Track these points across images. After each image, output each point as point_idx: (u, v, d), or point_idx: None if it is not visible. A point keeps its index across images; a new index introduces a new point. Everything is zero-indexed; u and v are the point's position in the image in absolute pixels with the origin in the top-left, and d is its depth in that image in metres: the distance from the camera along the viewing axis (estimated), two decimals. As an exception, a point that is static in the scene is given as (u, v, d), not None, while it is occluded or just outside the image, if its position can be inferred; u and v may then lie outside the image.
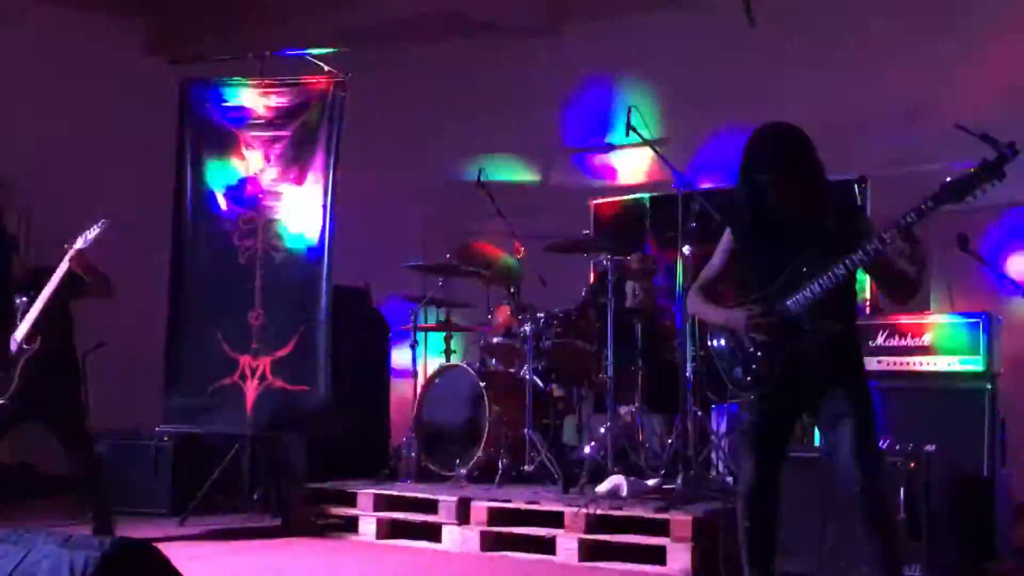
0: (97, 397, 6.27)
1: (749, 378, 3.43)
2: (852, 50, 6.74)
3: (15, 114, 7.31)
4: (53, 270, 5.31)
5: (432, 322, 6.60)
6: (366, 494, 5.73)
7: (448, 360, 6.11)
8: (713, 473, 5.70)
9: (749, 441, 3.48)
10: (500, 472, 5.65)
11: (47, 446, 7.44)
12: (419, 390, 6.04)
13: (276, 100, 6.48)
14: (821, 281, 3.31)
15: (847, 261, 3.26)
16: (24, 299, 5.28)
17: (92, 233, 5.27)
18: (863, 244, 3.23)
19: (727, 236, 3.61)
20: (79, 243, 5.26)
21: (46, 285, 5.26)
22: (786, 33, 6.86)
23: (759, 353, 3.41)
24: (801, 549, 4.29)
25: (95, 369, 6.37)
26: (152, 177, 6.93)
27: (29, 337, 5.25)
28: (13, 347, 5.14)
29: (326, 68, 6.43)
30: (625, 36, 7.62)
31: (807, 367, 3.38)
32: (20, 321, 5.22)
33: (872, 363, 4.90)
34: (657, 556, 4.84)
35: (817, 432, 4.75)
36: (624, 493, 5.25)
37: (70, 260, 5.24)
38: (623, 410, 6.05)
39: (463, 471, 5.73)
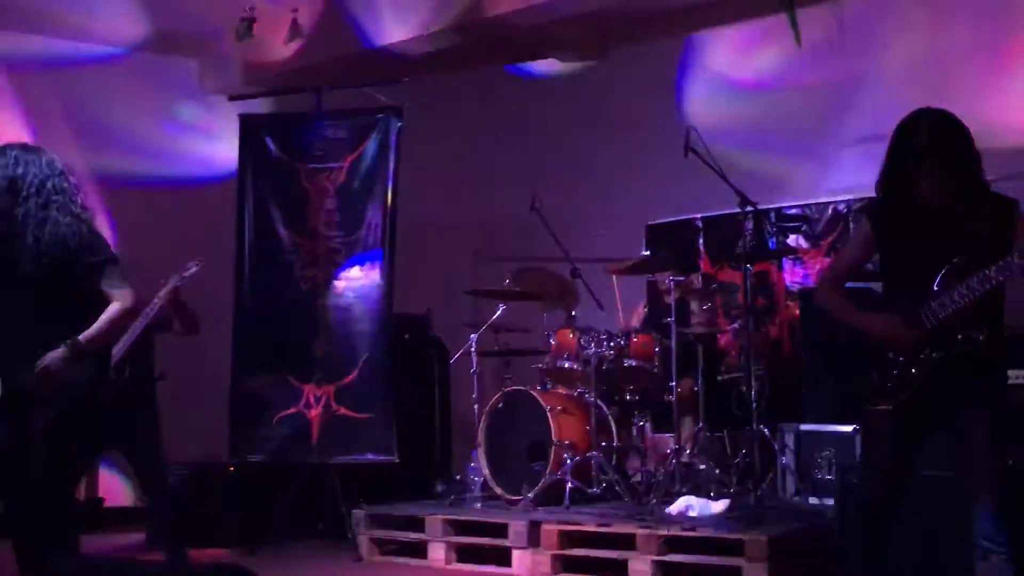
0: (164, 428, 6.28)
1: (889, 384, 3.25)
2: (909, 64, 6.65)
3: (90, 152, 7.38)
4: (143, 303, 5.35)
5: (492, 347, 6.54)
6: (434, 519, 5.66)
7: (509, 385, 6.04)
8: (781, 492, 5.58)
9: (879, 453, 3.32)
10: (567, 495, 5.57)
11: (114, 480, 7.52)
12: (482, 415, 5.97)
13: (334, 132, 6.51)
14: (972, 286, 3.08)
15: (1002, 264, 3.02)
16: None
17: (188, 272, 5.32)
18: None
19: (865, 227, 3.38)
20: (174, 280, 5.29)
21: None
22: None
23: (901, 359, 3.24)
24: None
25: (160, 400, 6.40)
26: (215, 210, 6.96)
27: (118, 367, 5.29)
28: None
29: (382, 99, 6.44)
30: (675, 56, 7.60)
31: (950, 377, 3.19)
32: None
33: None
34: (732, 576, 4.73)
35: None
36: (695, 513, 5.15)
37: (166, 296, 5.28)
38: (686, 430, 5.96)
39: (530, 495, 5.64)
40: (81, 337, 3.75)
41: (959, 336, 3.16)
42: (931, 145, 3.13)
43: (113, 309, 3.78)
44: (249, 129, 6.61)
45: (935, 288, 3.18)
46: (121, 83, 7.80)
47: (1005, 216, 3.17)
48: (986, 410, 3.17)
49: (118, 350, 5.18)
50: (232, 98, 7.02)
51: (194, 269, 5.34)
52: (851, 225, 6.16)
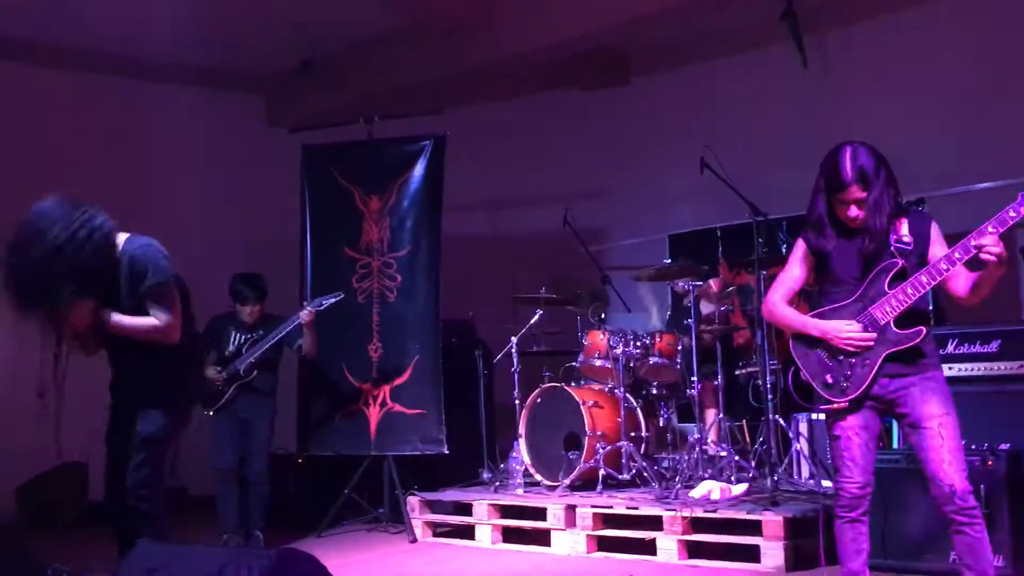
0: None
1: (845, 384, 3.30)
2: (899, 83, 6.64)
3: (168, 185, 7.53)
4: (277, 317, 5.80)
5: (530, 348, 6.58)
6: (481, 504, 5.72)
7: (547, 382, 6.08)
8: (796, 477, 5.56)
9: (843, 446, 3.35)
10: (600, 481, 5.59)
11: (196, 470, 7.64)
12: (523, 409, 6.02)
13: (384, 159, 6.59)
14: (907, 291, 3.22)
15: (934, 269, 3.17)
16: (251, 336, 5.77)
17: (328, 301, 5.70)
18: (949, 253, 3.14)
19: (801, 247, 3.46)
20: (314, 306, 5.69)
21: (272, 329, 5.73)
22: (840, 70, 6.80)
23: (852, 360, 3.30)
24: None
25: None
26: (279, 228, 7.09)
27: (249, 368, 5.64)
28: (232, 370, 5.69)
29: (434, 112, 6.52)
30: (695, 81, 7.65)
31: (894, 373, 3.27)
32: (244, 350, 5.73)
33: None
34: (751, 555, 4.73)
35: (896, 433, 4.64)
36: (716, 496, 5.14)
37: (305, 317, 5.63)
38: (708, 420, 5.96)
39: (566, 481, 5.67)
40: (114, 317, 3.81)
41: (902, 335, 3.24)
42: (855, 170, 3.24)
43: (147, 322, 3.84)
44: (310, 157, 6.71)
45: (885, 290, 3.26)
46: (189, 118, 7.96)
47: (922, 228, 3.31)
48: (933, 401, 3.25)
49: (252, 356, 5.66)
50: (292, 130, 7.13)
51: (332, 300, 5.71)
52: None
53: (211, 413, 5.71)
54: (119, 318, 3.83)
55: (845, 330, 3.30)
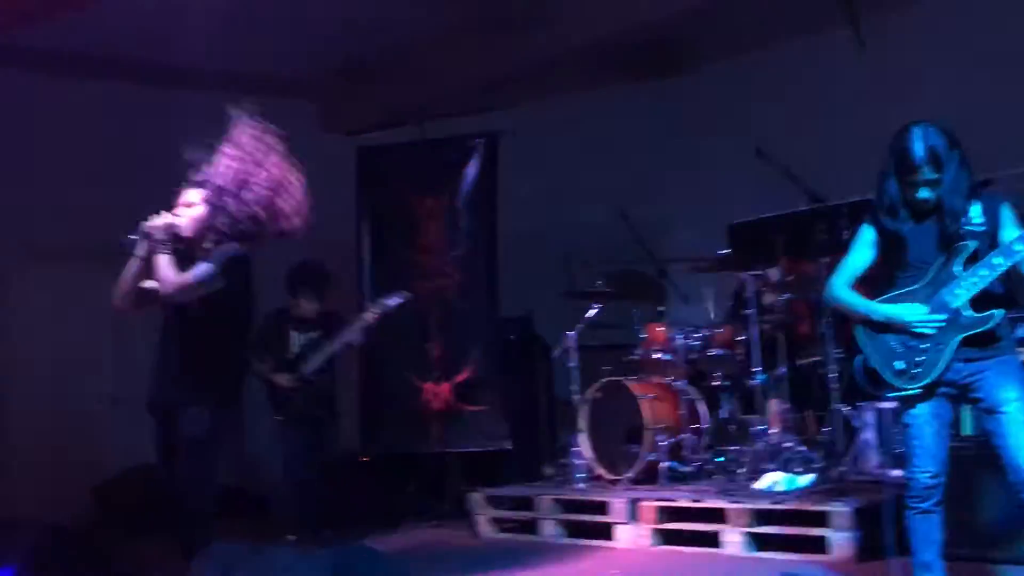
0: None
1: (916, 371, 3.22)
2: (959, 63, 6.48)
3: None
4: (336, 315, 5.73)
5: (589, 343, 6.57)
6: (544, 498, 5.73)
7: (606, 377, 6.07)
8: (864, 466, 5.46)
9: (915, 435, 3.28)
10: (662, 474, 5.57)
11: (256, 471, 7.79)
12: (583, 405, 6.02)
13: (438, 159, 6.65)
14: (980, 274, 3.13)
15: (1008, 251, 3.09)
16: (312, 336, 5.66)
17: (393, 302, 5.62)
18: (1022, 234, 3.07)
19: (868, 232, 3.39)
20: (379, 308, 5.59)
21: (333, 328, 5.64)
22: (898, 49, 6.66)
23: (923, 346, 3.22)
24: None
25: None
26: (336, 231, 7.17)
27: (318, 373, 5.58)
28: (303, 375, 5.58)
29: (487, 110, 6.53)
30: (751, 68, 7.57)
31: (968, 358, 3.19)
32: (310, 353, 5.61)
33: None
34: (819, 546, 4.66)
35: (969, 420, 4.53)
36: (781, 488, 5.09)
37: (370, 319, 5.56)
38: (772, 411, 5.89)
39: (629, 475, 5.66)
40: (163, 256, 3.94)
41: (976, 319, 3.16)
42: (925, 151, 3.17)
43: (175, 273, 3.92)
44: (365, 160, 6.80)
45: (957, 273, 3.19)
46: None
47: (994, 210, 3.23)
48: (1010, 386, 3.16)
49: (320, 361, 5.57)
50: (349, 134, 7.22)
51: (399, 300, 5.60)
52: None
53: (282, 419, 5.65)
54: (165, 257, 3.91)
55: (914, 315, 3.23)
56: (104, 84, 7.52)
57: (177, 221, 4.01)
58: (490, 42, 7.48)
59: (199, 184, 4.05)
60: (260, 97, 8.13)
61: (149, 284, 4.05)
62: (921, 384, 3.22)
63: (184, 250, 4.03)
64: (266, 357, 5.66)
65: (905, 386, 3.25)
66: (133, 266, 3.98)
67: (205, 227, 4.00)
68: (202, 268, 3.92)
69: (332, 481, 5.90)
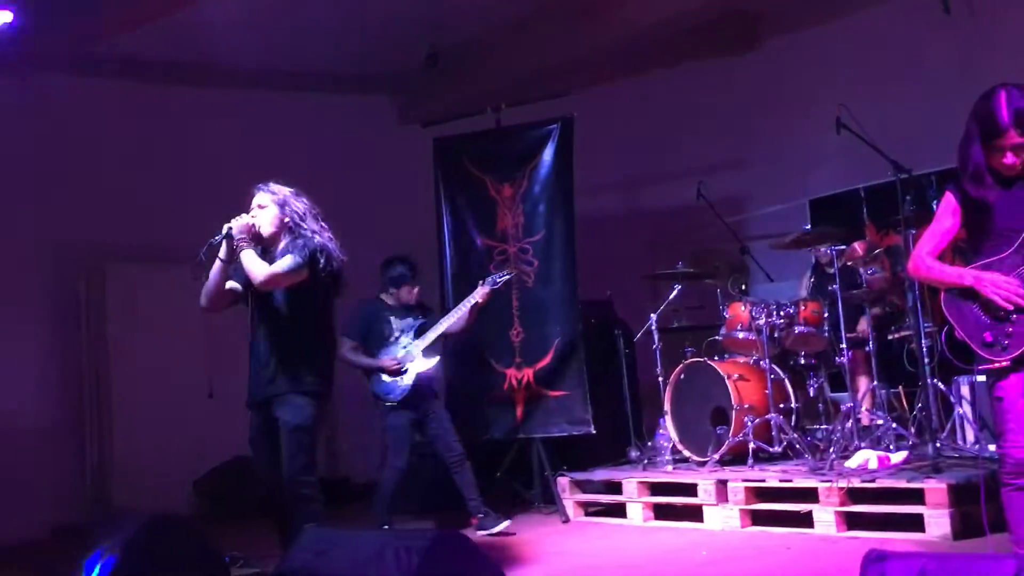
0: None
1: (1007, 342, 3.12)
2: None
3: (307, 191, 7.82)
4: (427, 304, 5.90)
5: (672, 324, 6.55)
6: (631, 481, 5.74)
7: (690, 358, 6.03)
8: (961, 442, 5.32)
9: (1007, 408, 3.19)
10: (750, 454, 5.52)
11: (357, 460, 7.99)
12: (667, 386, 6.00)
13: (514, 144, 6.67)
14: None
15: None
16: (411, 321, 5.77)
17: (501, 278, 5.74)
18: None
19: (951, 199, 3.29)
20: (489, 284, 5.70)
21: (429, 314, 5.81)
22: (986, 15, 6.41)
23: (1013, 316, 3.11)
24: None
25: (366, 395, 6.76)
26: (415, 223, 7.29)
27: (427, 353, 5.70)
28: (409, 359, 5.68)
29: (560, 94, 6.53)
30: (828, 38, 7.37)
31: None
32: (403, 336, 5.71)
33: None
34: (914, 524, 4.57)
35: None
36: (873, 466, 4.99)
37: (480, 296, 5.68)
38: (861, 388, 5.78)
39: (715, 456, 5.62)
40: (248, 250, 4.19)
41: None
42: (1014, 117, 3.05)
43: (263, 265, 4.17)
44: (441, 150, 6.87)
45: None
46: (327, 123, 8.27)
47: None
48: None
49: (427, 341, 5.66)
50: (425, 125, 7.30)
51: (506, 277, 5.73)
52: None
53: (391, 405, 5.64)
54: (250, 251, 4.18)
55: (1001, 282, 3.13)
56: (180, 88, 7.78)
57: (255, 221, 4.24)
58: (562, 26, 7.48)
59: (266, 188, 4.33)
60: (339, 96, 8.43)
61: (231, 285, 4.27)
62: (1012, 355, 3.12)
63: (263, 248, 4.27)
64: (368, 345, 5.74)
65: (995, 358, 3.16)
66: (217, 268, 4.20)
67: (280, 225, 4.27)
68: (288, 260, 4.13)
69: (417, 469, 5.97)
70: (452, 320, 5.72)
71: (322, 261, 4.20)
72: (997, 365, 3.16)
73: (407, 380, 5.63)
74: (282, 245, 4.24)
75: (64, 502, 7.00)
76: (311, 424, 4.22)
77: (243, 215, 4.26)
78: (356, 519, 6.27)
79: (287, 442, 4.17)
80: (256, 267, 4.15)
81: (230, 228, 4.18)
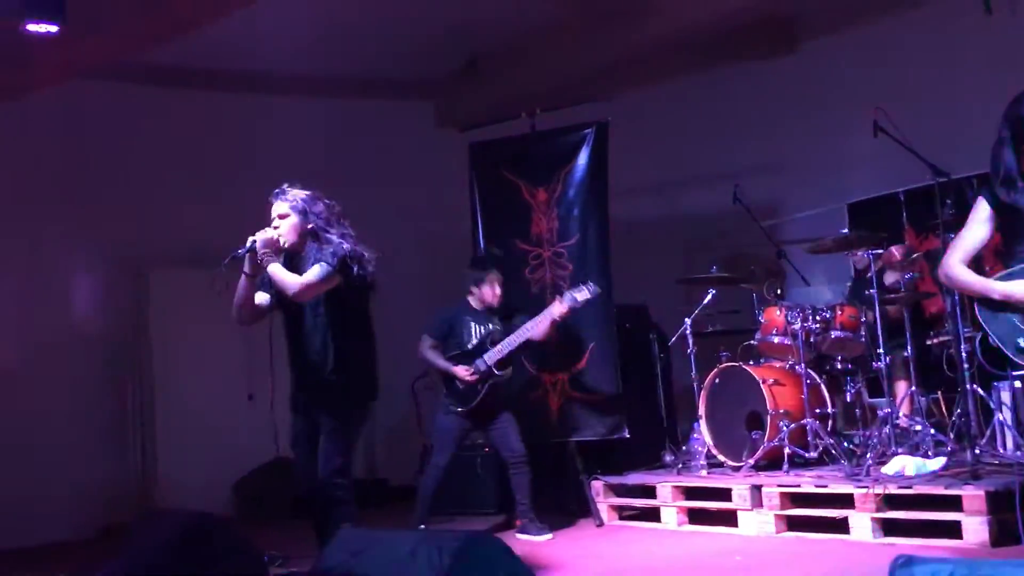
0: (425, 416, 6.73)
1: None
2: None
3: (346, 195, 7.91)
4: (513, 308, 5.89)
5: (706, 329, 6.54)
6: (665, 486, 5.75)
7: (724, 362, 6.02)
8: (1000, 448, 5.26)
9: None
10: (786, 459, 5.50)
11: (395, 462, 8.06)
12: (702, 391, 5.99)
13: (549, 149, 6.70)
14: None
15: None
16: (491, 327, 5.80)
17: (582, 295, 5.64)
18: None
19: (984, 205, 3.28)
20: (568, 301, 5.63)
21: (511, 323, 5.78)
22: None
23: None
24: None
25: (425, 394, 6.86)
26: (452, 227, 7.36)
27: (501, 364, 5.72)
28: (481, 366, 5.69)
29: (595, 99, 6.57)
30: (867, 41, 7.33)
31: None
32: (489, 345, 5.72)
33: None
34: (951, 531, 4.53)
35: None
36: (911, 472, 4.95)
37: (557, 312, 5.63)
38: (900, 393, 5.73)
39: (750, 461, 5.61)
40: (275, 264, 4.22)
41: None
42: None
43: (292, 277, 4.20)
44: (477, 155, 6.91)
45: None
46: (366, 127, 8.37)
47: None
48: None
49: (502, 353, 5.67)
50: (462, 130, 7.36)
51: (588, 296, 5.60)
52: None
53: (461, 410, 5.68)
54: (277, 265, 4.21)
55: None
56: (220, 96, 7.92)
57: (276, 233, 4.26)
58: (598, 30, 7.51)
59: (283, 195, 4.33)
60: (377, 100, 8.53)
61: (261, 299, 4.31)
62: None
63: (289, 257, 4.29)
64: (447, 347, 5.80)
65: None
66: (243, 283, 4.24)
67: (303, 232, 4.28)
68: (319, 269, 4.16)
69: (453, 471, 6.00)
70: (527, 334, 5.71)
71: (355, 267, 4.22)
72: None
73: (480, 390, 5.69)
74: (309, 252, 4.25)
75: (110, 503, 7.15)
76: (348, 428, 4.27)
77: (267, 228, 4.26)
78: (393, 520, 6.33)
79: (324, 445, 4.23)
80: (287, 280, 4.17)
81: (254, 242, 4.18)
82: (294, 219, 4.27)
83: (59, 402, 7.08)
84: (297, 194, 4.33)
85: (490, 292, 5.83)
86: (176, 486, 7.40)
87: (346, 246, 4.25)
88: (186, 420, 7.67)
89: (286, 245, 4.28)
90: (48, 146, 7.21)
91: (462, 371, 5.69)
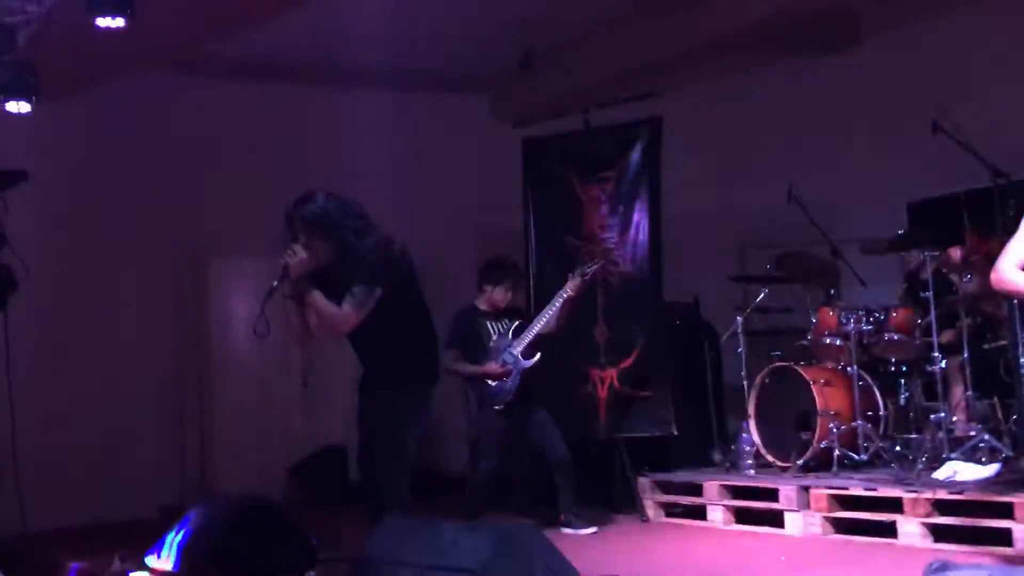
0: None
1: None
2: None
3: (402, 189, 8.01)
4: (522, 309, 6.00)
5: (758, 327, 6.51)
6: (712, 484, 5.75)
7: (775, 362, 6.00)
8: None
9: None
10: (835, 461, 5.47)
11: (447, 452, 8.17)
12: (752, 390, 5.98)
13: (601, 146, 6.73)
14: None
15: None
16: (508, 324, 5.85)
17: (590, 269, 5.79)
18: None
19: None
20: (578, 275, 5.72)
21: (524, 317, 5.86)
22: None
23: None
24: None
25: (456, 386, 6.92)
26: (504, 221, 7.42)
27: (529, 351, 5.77)
28: (509, 360, 5.74)
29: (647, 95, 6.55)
30: (931, 36, 7.19)
31: None
32: (510, 338, 5.78)
33: None
34: (1002, 538, 4.47)
35: None
36: (962, 478, 4.89)
37: (571, 289, 5.70)
38: (955, 397, 5.65)
39: (799, 462, 5.59)
40: (314, 292, 4.11)
41: None
42: None
43: (331, 308, 4.10)
44: (530, 150, 6.96)
45: None
46: (425, 120, 8.48)
47: None
48: None
49: (527, 339, 5.70)
50: (516, 125, 7.42)
51: (593, 268, 5.74)
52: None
53: (499, 407, 5.71)
54: (316, 294, 4.10)
55: None
56: (277, 87, 8.06)
57: (306, 254, 4.09)
58: (653, 26, 7.48)
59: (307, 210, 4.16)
60: (435, 94, 8.61)
61: (315, 322, 4.23)
62: None
63: (326, 276, 4.16)
64: (468, 353, 5.83)
65: None
66: (294, 311, 4.19)
67: (332, 249, 4.10)
68: (358, 293, 4.06)
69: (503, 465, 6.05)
70: (548, 317, 5.77)
71: (392, 263, 4.14)
72: None
73: (513, 382, 5.74)
74: (344, 265, 4.09)
75: (171, 485, 7.39)
76: (406, 426, 4.26)
77: (296, 248, 4.08)
78: (442, 511, 6.43)
79: (382, 443, 4.26)
80: (332, 315, 4.07)
81: (285, 267, 4.06)
82: (319, 238, 4.09)
83: (126, 386, 7.33)
84: (312, 209, 4.09)
85: (501, 297, 5.87)
86: (232, 470, 7.61)
87: (378, 251, 4.12)
88: (243, 406, 7.87)
89: (318, 264, 4.12)
90: (112, 137, 7.44)
91: (493, 367, 5.73)
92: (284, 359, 7.78)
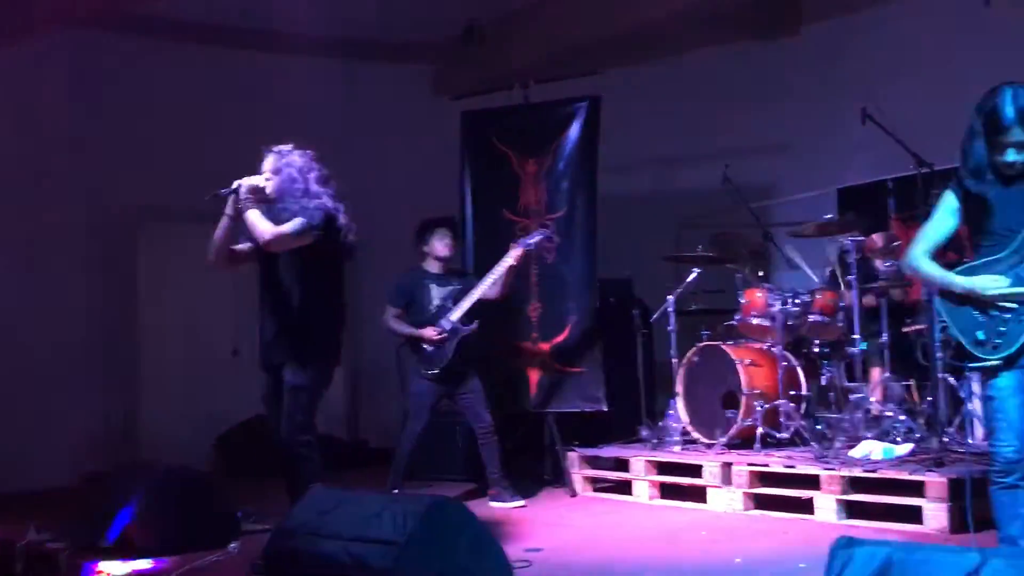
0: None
1: (998, 341, 3.19)
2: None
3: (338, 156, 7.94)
4: (464, 271, 6.04)
5: (689, 307, 6.62)
6: (639, 460, 5.86)
7: (704, 341, 6.11)
8: (970, 438, 5.37)
9: (997, 408, 3.25)
10: (758, 439, 5.61)
11: (377, 424, 8.17)
12: (680, 368, 6.09)
13: (540, 122, 6.74)
14: None
15: None
16: (451, 287, 5.89)
17: (535, 237, 5.78)
18: None
19: (950, 197, 3.36)
20: (522, 244, 5.74)
21: (468, 280, 5.90)
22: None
23: (1006, 316, 3.18)
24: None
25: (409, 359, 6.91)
26: (442, 193, 7.41)
27: (467, 319, 5.78)
28: (447, 326, 5.75)
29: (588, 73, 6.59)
30: (869, 25, 7.33)
31: None
32: (451, 304, 5.81)
33: None
34: (913, 516, 4.65)
35: None
36: (877, 457, 5.07)
37: (514, 256, 5.70)
38: (872, 379, 5.83)
39: (723, 439, 5.72)
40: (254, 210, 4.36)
41: None
42: (1018, 115, 3.11)
43: (265, 224, 4.34)
44: (468, 124, 6.95)
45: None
46: (364, 90, 8.40)
47: None
48: None
49: (465, 306, 5.73)
50: (455, 98, 7.39)
51: (539, 237, 5.76)
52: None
53: (433, 372, 5.76)
54: (256, 211, 4.34)
55: (992, 286, 3.20)
56: (213, 50, 7.92)
57: (262, 182, 4.39)
58: (596, 3, 7.51)
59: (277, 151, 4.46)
60: (375, 64, 8.51)
61: (240, 246, 4.44)
62: (1002, 355, 3.19)
63: (270, 209, 4.39)
64: (410, 313, 5.89)
65: (986, 356, 3.23)
66: (223, 223, 4.37)
67: (289, 188, 4.38)
68: (297, 222, 4.28)
69: (427, 438, 6.08)
70: (488, 284, 5.79)
71: (336, 224, 4.34)
72: (987, 364, 3.23)
73: (450, 348, 5.77)
74: (293, 207, 4.35)
75: (92, 452, 7.26)
76: (311, 385, 4.39)
77: (255, 176, 4.40)
78: (372, 482, 6.45)
79: (287, 401, 4.37)
80: (261, 226, 4.30)
81: (239, 185, 4.32)
82: (283, 174, 4.39)
83: (46, 351, 7.17)
84: (290, 152, 4.46)
85: (440, 245, 5.91)
86: (158, 438, 7.52)
87: (330, 205, 4.36)
88: (171, 373, 7.78)
89: (271, 196, 4.37)
90: (44, 98, 7.23)
91: (430, 332, 5.77)
92: (214, 326, 7.71)
